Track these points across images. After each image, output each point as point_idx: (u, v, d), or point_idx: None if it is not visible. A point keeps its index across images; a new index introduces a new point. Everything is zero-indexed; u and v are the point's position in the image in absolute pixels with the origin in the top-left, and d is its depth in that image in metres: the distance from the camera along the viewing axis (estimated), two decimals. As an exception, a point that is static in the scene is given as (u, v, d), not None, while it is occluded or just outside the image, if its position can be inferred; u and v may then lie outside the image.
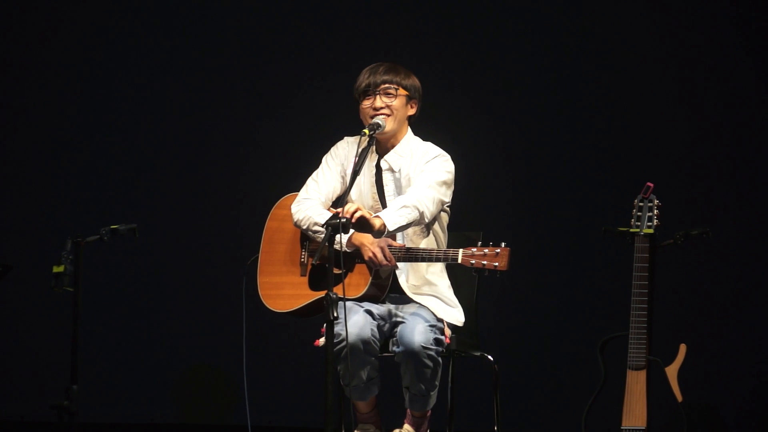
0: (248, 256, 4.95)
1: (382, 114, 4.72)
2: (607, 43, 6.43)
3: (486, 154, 6.33)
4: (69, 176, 6.68)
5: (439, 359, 4.59)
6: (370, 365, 4.63)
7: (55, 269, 4.28)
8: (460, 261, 4.50)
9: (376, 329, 4.62)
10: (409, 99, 4.80)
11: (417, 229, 4.74)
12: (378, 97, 4.74)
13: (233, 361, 6.41)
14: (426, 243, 4.77)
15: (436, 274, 4.80)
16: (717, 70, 6.31)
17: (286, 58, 6.63)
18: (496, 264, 4.45)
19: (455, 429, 4.82)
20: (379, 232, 4.49)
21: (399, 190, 4.77)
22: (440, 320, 4.68)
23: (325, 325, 4.65)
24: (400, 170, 4.79)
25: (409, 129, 4.86)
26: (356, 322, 4.54)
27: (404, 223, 4.55)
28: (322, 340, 4.66)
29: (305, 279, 4.77)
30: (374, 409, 4.80)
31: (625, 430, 4.95)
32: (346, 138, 4.92)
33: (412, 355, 4.54)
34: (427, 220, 4.66)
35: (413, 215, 4.57)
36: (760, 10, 6.25)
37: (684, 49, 6.35)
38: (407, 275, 4.75)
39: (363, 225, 4.46)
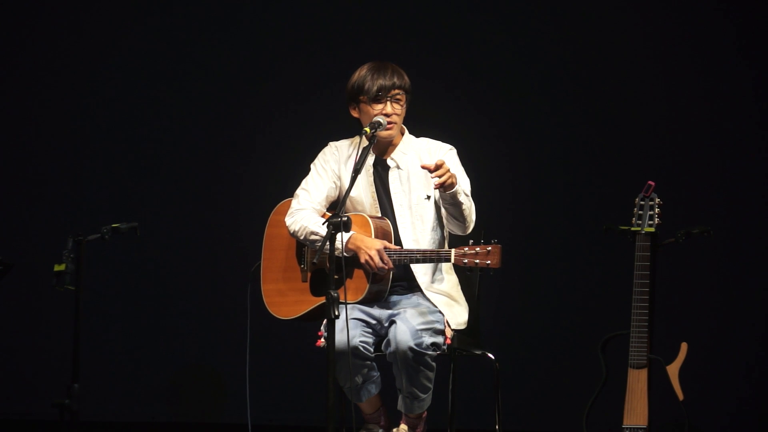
0: (249, 255, 4.94)
1: (391, 121, 4.71)
2: (608, 42, 6.42)
3: (486, 152, 6.32)
4: (70, 175, 6.68)
5: (432, 363, 4.58)
6: (365, 368, 4.63)
7: (57, 268, 4.28)
8: (452, 261, 4.51)
9: (368, 334, 4.62)
10: (407, 102, 4.80)
11: (437, 222, 4.74)
12: (389, 103, 4.72)
13: (234, 360, 6.40)
14: (434, 239, 4.78)
15: (446, 270, 4.82)
16: (718, 70, 6.31)
17: (290, 60, 6.62)
18: (488, 262, 4.45)
19: (456, 428, 4.81)
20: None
21: (404, 187, 4.78)
22: (440, 320, 4.67)
23: (322, 329, 4.68)
24: (405, 168, 4.79)
25: (405, 127, 4.87)
26: (343, 329, 4.45)
27: (462, 200, 4.56)
28: (323, 341, 4.66)
29: (307, 285, 4.77)
30: (379, 410, 4.80)
31: (627, 428, 4.95)
32: (330, 143, 4.90)
33: (401, 357, 4.53)
34: (466, 225, 4.67)
35: (468, 207, 4.60)
36: (759, 12, 6.25)
37: (685, 48, 6.35)
38: (421, 267, 4.76)
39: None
